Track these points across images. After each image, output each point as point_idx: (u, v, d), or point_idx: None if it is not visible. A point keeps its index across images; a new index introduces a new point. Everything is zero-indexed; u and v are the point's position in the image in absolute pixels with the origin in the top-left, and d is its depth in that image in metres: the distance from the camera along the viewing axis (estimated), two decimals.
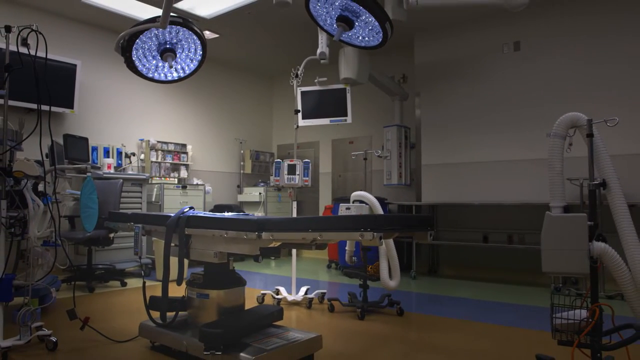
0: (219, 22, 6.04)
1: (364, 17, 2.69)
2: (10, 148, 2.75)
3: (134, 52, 2.75)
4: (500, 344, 3.03)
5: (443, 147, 6.17)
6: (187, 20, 2.68)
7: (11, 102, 2.83)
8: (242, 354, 2.27)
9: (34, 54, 2.73)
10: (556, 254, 2.12)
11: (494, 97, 5.79)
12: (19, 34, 2.79)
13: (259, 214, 7.34)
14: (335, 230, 2.00)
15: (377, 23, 2.61)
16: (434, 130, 6.26)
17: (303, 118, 5.02)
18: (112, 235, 4.74)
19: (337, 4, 2.68)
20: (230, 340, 2.37)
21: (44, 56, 2.70)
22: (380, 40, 2.75)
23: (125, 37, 2.62)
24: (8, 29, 2.82)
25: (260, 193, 7.54)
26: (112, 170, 5.84)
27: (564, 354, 2.23)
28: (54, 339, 2.79)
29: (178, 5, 5.55)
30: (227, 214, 2.77)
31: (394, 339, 3.12)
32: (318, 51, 4.84)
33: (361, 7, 2.56)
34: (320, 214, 7.47)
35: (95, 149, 5.98)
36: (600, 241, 2.10)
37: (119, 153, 6.28)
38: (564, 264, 2.11)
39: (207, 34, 6.39)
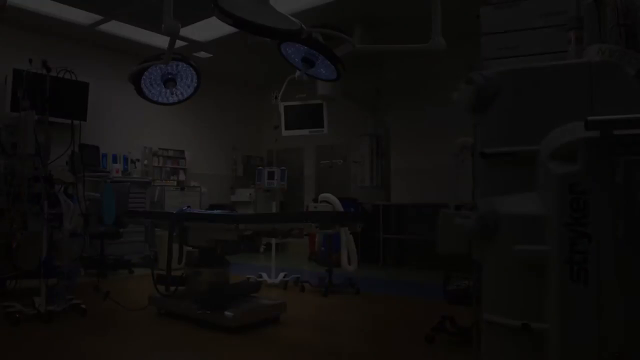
0: (213, 44, 6.90)
1: (322, 59, 3.56)
2: (52, 161, 3.62)
3: (142, 82, 3.61)
4: (423, 311, 3.92)
5: (410, 153, 7.05)
6: (186, 57, 3.52)
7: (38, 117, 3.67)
8: (225, 312, 3.15)
9: (54, 74, 3.56)
10: None
11: (452, 110, 6.67)
12: (57, 72, 3.65)
13: (249, 212, 8.19)
14: (285, 222, 2.88)
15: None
16: (402, 138, 7.15)
17: (286, 128, 5.88)
18: (121, 230, 5.59)
19: (301, 49, 3.56)
20: (217, 302, 3.24)
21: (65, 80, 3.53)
22: (336, 76, 3.64)
23: (135, 71, 3.47)
24: (48, 69, 3.68)
25: (250, 194, 8.41)
26: (119, 175, 6.70)
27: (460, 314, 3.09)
28: (83, 306, 3.66)
29: None
30: (215, 211, 3.64)
31: (346, 309, 4.00)
32: (297, 74, 5.70)
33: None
34: None
35: (105, 155, 6.84)
36: None
37: (125, 159, 7.14)
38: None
39: (203, 54, 7.26)
